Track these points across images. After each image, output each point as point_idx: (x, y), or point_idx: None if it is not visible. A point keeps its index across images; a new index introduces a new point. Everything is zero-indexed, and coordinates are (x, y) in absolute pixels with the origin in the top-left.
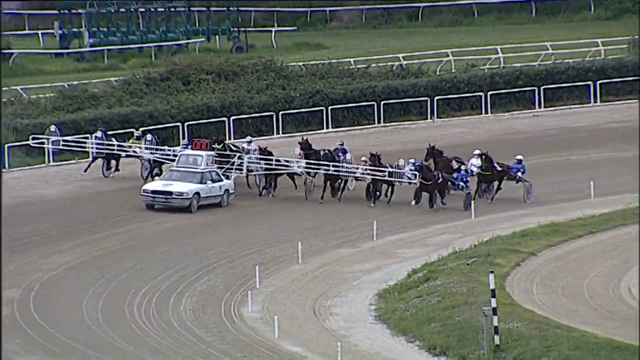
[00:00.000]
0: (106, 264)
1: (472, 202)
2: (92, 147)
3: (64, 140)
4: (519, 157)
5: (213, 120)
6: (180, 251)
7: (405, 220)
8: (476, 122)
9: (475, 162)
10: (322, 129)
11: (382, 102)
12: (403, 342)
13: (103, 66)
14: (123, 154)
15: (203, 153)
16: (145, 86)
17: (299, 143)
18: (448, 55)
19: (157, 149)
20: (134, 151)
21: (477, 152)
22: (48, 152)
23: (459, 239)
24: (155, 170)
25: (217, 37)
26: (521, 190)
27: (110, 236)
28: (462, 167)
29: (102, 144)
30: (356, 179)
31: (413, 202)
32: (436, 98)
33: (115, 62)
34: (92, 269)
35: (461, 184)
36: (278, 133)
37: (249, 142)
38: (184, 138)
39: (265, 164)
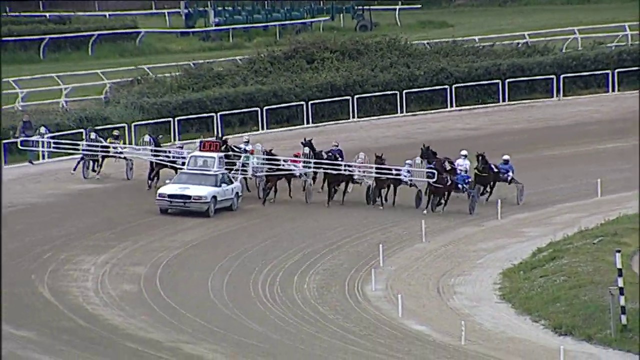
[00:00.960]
0: (230, 242)
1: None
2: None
3: (54, 143)
4: (506, 157)
5: (336, 99)
6: (302, 230)
7: (531, 200)
8: (603, 100)
9: (461, 163)
10: (446, 107)
11: (507, 80)
12: (528, 322)
13: (228, 45)
14: (116, 155)
15: (215, 155)
16: (270, 65)
17: (302, 143)
18: (574, 33)
19: (157, 151)
20: (119, 152)
21: (464, 152)
22: (174, 130)
23: (585, 217)
24: (151, 173)
25: (341, 15)
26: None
27: (233, 215)
28: (459, 166)
29: (94, 146)
30: (353, 181)
31: (425, 211)
32: (562, 76)
33: (240, 41)
34: (216, 247)
35: (464, 186)
36: (402, 112)
37: (246, 142)
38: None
39: (269, 166)
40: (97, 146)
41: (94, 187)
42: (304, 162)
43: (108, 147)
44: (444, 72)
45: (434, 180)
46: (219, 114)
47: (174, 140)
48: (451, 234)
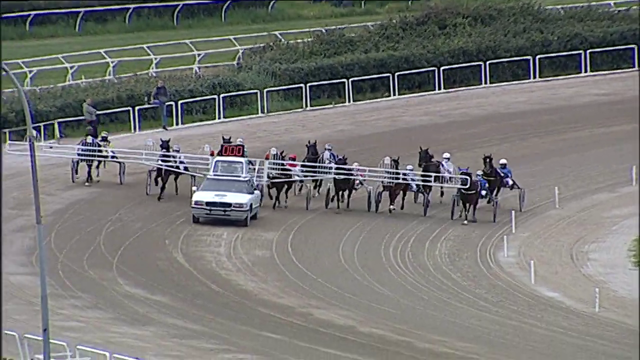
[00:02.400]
0: (361, 209)
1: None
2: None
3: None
4: (503, 161)
5: (468, 64)
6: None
7: None
8: None
9: (445, 166)
10: (580, 72)
11: None
12: None
13: (360, 11)
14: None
15: (242, 159)
16: (401, 30)
17: (307, 146)
18: None
19: (167, 156)
20: (113, 156)
21: (446, 155)
22: (306, 96)
23: None
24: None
25: None
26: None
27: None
28: (478, 172)
29: (91, 149)
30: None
31: (466, 221)
32: None
33: (371, 6)
34: (347, 213)
35: (487, 191)
36: (534, 77)
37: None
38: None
39: (282, 170)
40: (95, 150)
41: None
42: (317, 167)
43: (102, 151)
44: (578, 37)
45: (467, 187)
46: (350, 80)
47: (305, 105)
48: (585, 200)
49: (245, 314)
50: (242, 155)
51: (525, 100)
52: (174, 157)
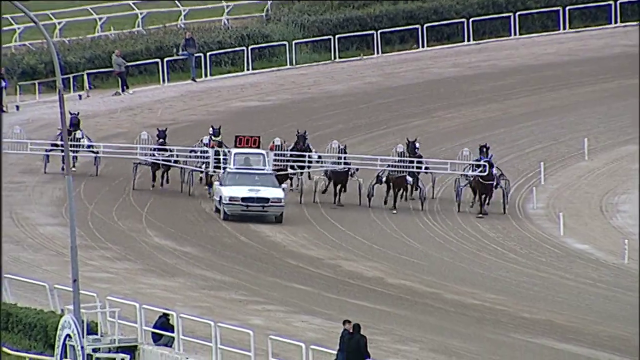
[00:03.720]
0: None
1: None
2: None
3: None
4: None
5: (498, 15)
6: (466, 147)
7: None
8: None
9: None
10: (610, 24)
11: None
12: None
13: None
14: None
15: (262, 151)
16: None
17: (297, 135)
18: None
19: (161, 149)
20: (89, 145)
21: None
22: (334, 48)
23: None
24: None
25: None
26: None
27: (397, 132)
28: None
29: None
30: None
31: (481, 214)
32: None
33: None
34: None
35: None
36: (564, 28)
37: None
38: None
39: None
40: (82, 145)
41: (257, 104)
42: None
43: (93, 146)
44: None
45: (485, 175)
46: (378, 31)
47: (334, 57)
48: (615, 152)
49: (274, 265)
50: (258, 147)
51: (554, 52)
52: (170, 149)
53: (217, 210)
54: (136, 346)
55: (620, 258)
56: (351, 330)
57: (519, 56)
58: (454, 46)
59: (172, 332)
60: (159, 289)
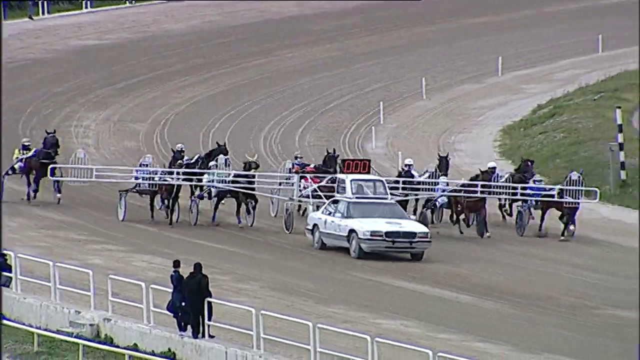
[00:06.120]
0: (232, 98)
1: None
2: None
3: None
4: (408, 161)
5: None
6: (306, 87)
7: (532, 57)
8: None
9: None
10: None
11: None
12: None
13: None
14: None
15: (381, 178)
16: None
17: (327, 156)
18: None
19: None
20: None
21: (408, 161)
22: None
23: (585, 74)
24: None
25: None
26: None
27: (237, 71)
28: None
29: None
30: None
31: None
32: None
33: None
34: (218, 103)
35: None
36: None
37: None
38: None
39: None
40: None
41: (95, 43)
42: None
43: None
44: None
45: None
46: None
47: None
48: (451, 91)
49: (114, 205)
50: (368, 172)
51: None
52: (198, 174)
53: (323, 244)
54: None
55: None
56: (179, 271)
57: None
58: None
59: (10, 272)
60: None
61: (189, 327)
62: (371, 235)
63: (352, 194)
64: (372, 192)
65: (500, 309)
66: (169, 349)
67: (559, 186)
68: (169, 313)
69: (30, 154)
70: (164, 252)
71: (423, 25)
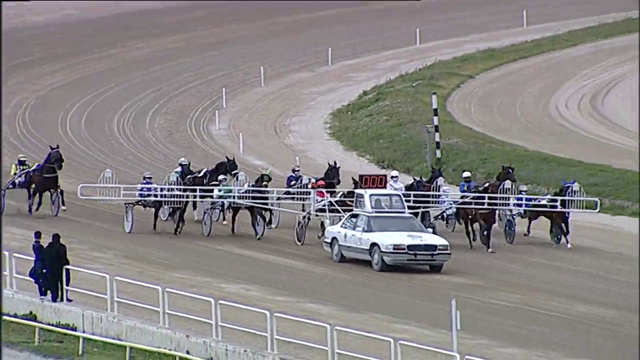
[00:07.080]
0: (89, 85)
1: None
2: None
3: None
4: (394, 172)
5: None
6: (155, 75)
7: (358, 48)
8: None
9: (394, 186)
10: None
11: None
12: (354, 156)
13: None
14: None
15: (399, 192)
16: None
17: (329, 169)
18: None
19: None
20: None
21: (394, 173)
22: None
23: (405, 63)
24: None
25: None
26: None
27: (94, 60)
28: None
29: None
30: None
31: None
32: None
33: None
34: (75, 89)
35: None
36: None
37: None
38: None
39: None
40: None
41: None
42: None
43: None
44: None
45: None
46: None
47: None
48: (287, 78)
49: None
50: (385, 186)
51: None
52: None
53: (342, 257)
54: None
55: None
56: (40, 241)
57: None
58: None
59: None
60: None
61: (49, 292)
62: (394, 248)
63: (372, 208)
64: (389, 206)
65: (331, 274)
66: (31, 312)
67: (549, 196)
68: (31, 279)
69: (32, 167)
70: (27, 225)
71: (263, 19)
